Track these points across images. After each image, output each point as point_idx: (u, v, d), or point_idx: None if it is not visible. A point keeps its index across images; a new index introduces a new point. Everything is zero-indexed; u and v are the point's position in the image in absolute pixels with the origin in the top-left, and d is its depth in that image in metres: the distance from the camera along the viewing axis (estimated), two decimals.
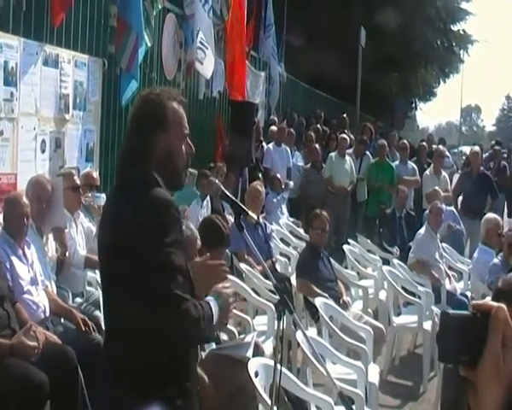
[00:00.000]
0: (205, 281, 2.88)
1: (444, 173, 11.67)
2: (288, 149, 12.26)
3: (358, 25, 19.73)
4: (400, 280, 7.67)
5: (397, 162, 12.33)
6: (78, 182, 5.98)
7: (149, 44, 8.21)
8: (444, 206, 9.17)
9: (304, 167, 12.27)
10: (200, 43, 9.67)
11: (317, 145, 12.36)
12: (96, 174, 6.78)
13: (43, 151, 6.42)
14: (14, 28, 5.98)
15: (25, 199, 4.96)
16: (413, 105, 35.45)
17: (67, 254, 5.65)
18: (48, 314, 4.95)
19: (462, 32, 31.65)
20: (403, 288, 7.58)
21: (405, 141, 13.75)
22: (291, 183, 11.70)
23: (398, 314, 7.62)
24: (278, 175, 11.12)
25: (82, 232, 6.02)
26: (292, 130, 13.12)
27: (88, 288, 5.91)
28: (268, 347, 5.57)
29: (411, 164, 12.29)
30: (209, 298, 2.79)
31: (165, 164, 2.76)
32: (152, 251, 2.58)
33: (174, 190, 2.90)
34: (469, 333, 1.23)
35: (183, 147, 2.84)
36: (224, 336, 5.47)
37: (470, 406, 1.24)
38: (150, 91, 2.91)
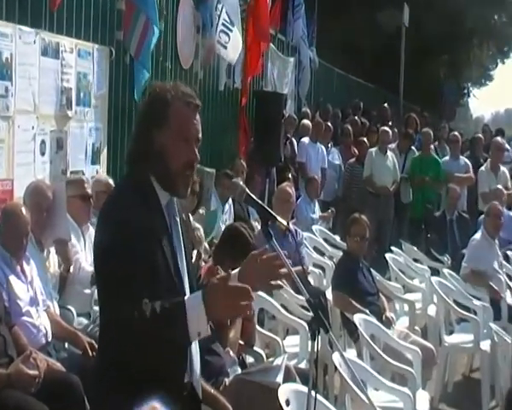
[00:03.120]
0: (221, 306, 2.69)
1: (503, 169, 11.51)
2: (324, 147, 12.24)
3: (401, 1, 19.66)
4: (452, 293, 7.61)
5: (447, 158, 12.23)
6: (88, 191, 5.98)
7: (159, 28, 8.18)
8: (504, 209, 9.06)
9: (348, 162, 12.27)
10: (223, 25, 9.62)
11: (365, 139, 12.35)
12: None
13: (42, 153, 6.46)
14: (8, 15, 6.01)
15: (25, 213, 4.92)
16: (465, 91, 35.25)
17: (71, 269, 5.67)
18: (50, 339, 4.96)
19: None
20: (455, 302, 7.51)
21: (456, 133, 13.65)
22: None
23: (451, 333, 7.56)
24: (316, 177, 11.07)
25: (90, 247, 6.01)
26: (329, 124, 13.08)
27: (95, 307, 5.91)
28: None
29: (464, 159, 12.20)
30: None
31: (158, 165, 2.91)
32: (102, 265, 2.90)
33: (172, 194, 2.98)
34: None
35: (183, 151, 2.91)
36: (250, 360, 5.47)
37: None
38: (160, 85, 3.06)
